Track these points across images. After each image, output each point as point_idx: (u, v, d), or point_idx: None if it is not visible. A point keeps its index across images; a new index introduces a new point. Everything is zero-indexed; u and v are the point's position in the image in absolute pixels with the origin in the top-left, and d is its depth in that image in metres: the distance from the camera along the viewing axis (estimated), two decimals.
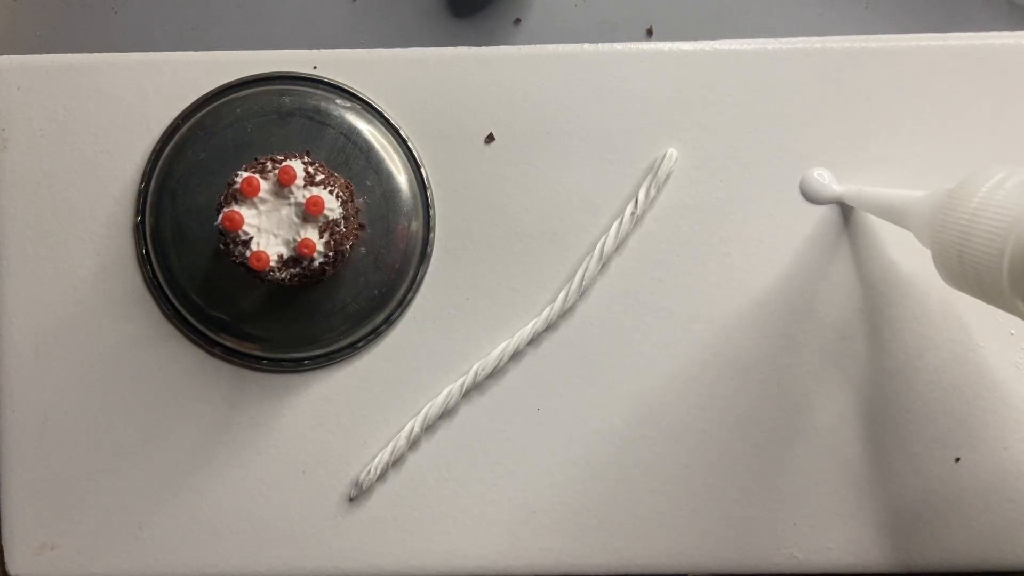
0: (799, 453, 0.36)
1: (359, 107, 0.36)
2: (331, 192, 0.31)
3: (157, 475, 0.36)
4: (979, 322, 0.36)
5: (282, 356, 0.36)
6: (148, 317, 0.36)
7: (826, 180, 0.36)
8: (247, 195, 0.30)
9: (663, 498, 0.36)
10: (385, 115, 0.36)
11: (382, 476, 0.36)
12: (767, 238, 0.36)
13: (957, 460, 0.36)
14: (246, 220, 0.30)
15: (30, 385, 0.36)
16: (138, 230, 0.36)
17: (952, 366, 0.36)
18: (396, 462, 0.36)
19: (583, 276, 0.36)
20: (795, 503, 0.36)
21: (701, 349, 0.36)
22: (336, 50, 0.37)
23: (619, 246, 0.36)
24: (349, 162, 0.35)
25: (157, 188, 0.36)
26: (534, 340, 0.36)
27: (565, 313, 0.36)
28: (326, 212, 0.31)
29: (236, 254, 0.31)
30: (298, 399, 0.36)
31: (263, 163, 0.31)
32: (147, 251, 0.36)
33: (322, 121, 0.35)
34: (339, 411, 0.36)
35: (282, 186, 0.31)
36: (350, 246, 0.33)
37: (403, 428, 0.36)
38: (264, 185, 0.31)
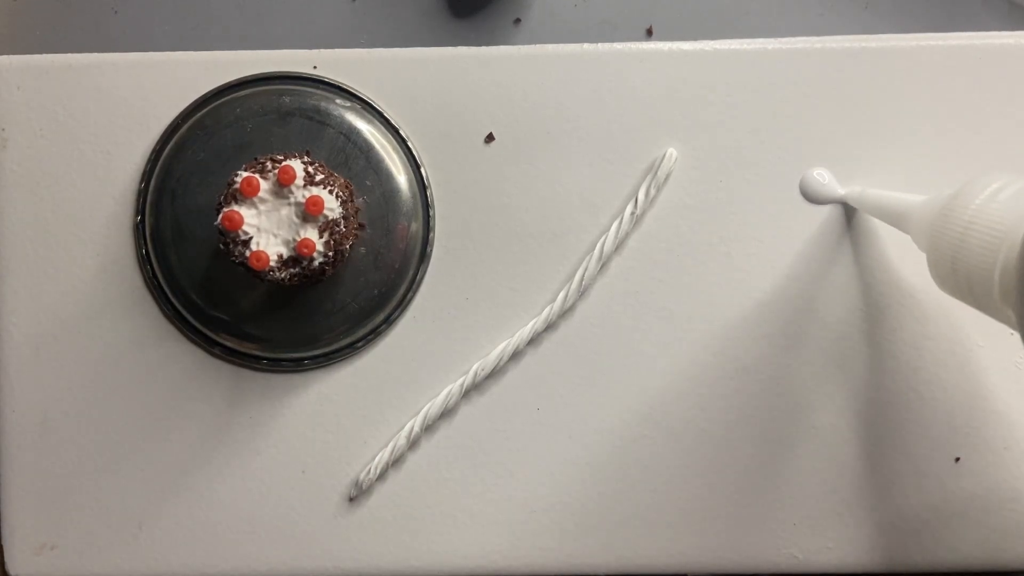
0: (799, 453, 0.36)
1: (359, 107, 0.36)
2: (331, 192, 0.31)
3: (157, 475, 0.36)
4: (979, 322, 0.36)
5: (282, 356, 0.36)
6: (148, 317, 0.36)
7: (826, 180, 0.36)
8: (247, 195, 0.30)
9: (663, 498, 0.36)
10: (385, 115, 0.36)
11: (382, 476, 0.36)
12: (767, 238, 0.36)
13: (957, 460, 0.36)
14: (246, 220, 0.31)
15: (30, 385, 0.36)
16: (138, 230, 0.36)
17: (952, 366, 0.36)
18: (396, 462, 0.36)
19: (583, 276, 0.36)
20: (795, 503, 0.36)
21: (701, 349, 0.36)
22: (336, 50, 0.37)
23: (619, 246, 0.36)
24: (349, 162, 0.35)
25: (157, 188, 0.36)
26: (534, 340, 0.36)
27: (565, 313, 0.36)
28: (326, 212, 0.31)
29: (236, 254, 0.31)
30: (298, 399, 0.36)
31: (263, 163, 0.31)
32: (147, 251, 0.36)
33: (322, 121, 0.35)
34: (339, 411, 0.36)
35: (282, 186, 0.31)
36: (350, 246, 0.33)
37: (403, 428, 0.36)
38: (264, 185, 0.31)
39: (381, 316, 0.36)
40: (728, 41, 0.36)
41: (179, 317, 0.36)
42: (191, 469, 0.36)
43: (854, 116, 0.36)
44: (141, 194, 0.36)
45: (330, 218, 0.31)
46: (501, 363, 0.36)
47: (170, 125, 0.36)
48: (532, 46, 0.36)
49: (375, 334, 0.36)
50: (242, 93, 0.36)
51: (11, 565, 0.37)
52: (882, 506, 0.36)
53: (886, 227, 0.35)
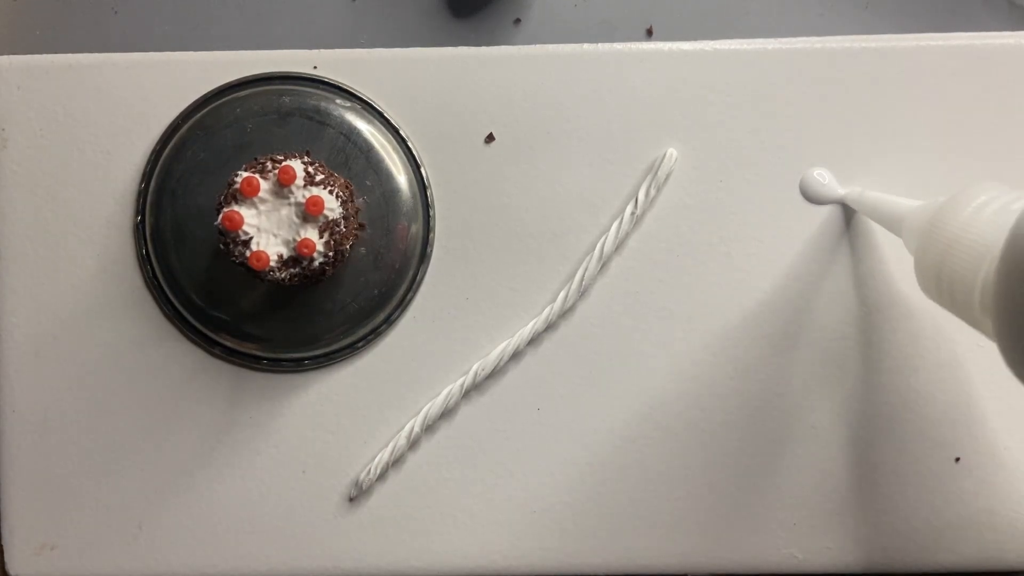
0: (799, 453, 0.36)
1: (359, 107, 0.36)
2: (331, 192, 0.31)
3: (157, 475, 0.36)
4: None
5: (282, 356, 0.36)
6: (148, 317, 0.36)
7: (826, 180, 0.36)
8: (247, 195, 0.30)
9: (663, 498, 0.36)
10: (385, 115, 0.36)
11: (382, 476, 0.36)
12: (767, 238, 0.36)
13: (957, 460, 0.36)
14: (246, 220, 0.31)
15: (30, 385, 0.36)
16: (138, 230, 0.36)
17: (952, 366, 0.36)
18: (396, 462, 0.36)
19: (583, 276, 0.36)
20: (795, 503, 0.36)
21: (701, 349, 0.36)
22: (336, 50, 0.37)
23: (619, 246, 0.36)
24: (349, 162, 0.35)
25: (157, 188, 0.36)
26: (534, 340, 0.36)
27: (565, 313, 0.36)
28: (326, 212, 0.31)
29: (236, 254, 0.31)
30: (298, 399, 0.36)
31: (263, 163, 0.31)
32: (147, 251, 0.36)
33: (322, 121, 0.35)
34: (339, 411, 0.36)
35: (282, 186, 0.31)
36: (350, 246, 0.33)
37: (403, 428, 0.36)
38: (264, 185, 0.31)
39: (381, 316, 0.36)
40: (728, 41, 0.36)
41: (179, 317, 0.36)
42: (191, 469, 0.36)
43: (854, 116, 0.36)
44: (141, 194, 0.36)
45: (330, 218, 0.31)
46: (501, 363, 0.36)
47: (170, 125, 0.36)
48: (532, 46, 0.36)
49: (375, 334, 0.36)
50: (242, 93, 0.36)
51: (11, 565, 0.37)
52: (882, 506, 0.36)
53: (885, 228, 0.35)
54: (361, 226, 0.35)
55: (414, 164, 0.36)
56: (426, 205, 0.36)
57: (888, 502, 0.36)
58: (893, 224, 0.32)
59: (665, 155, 0.36)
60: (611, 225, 0.36)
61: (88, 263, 0.36)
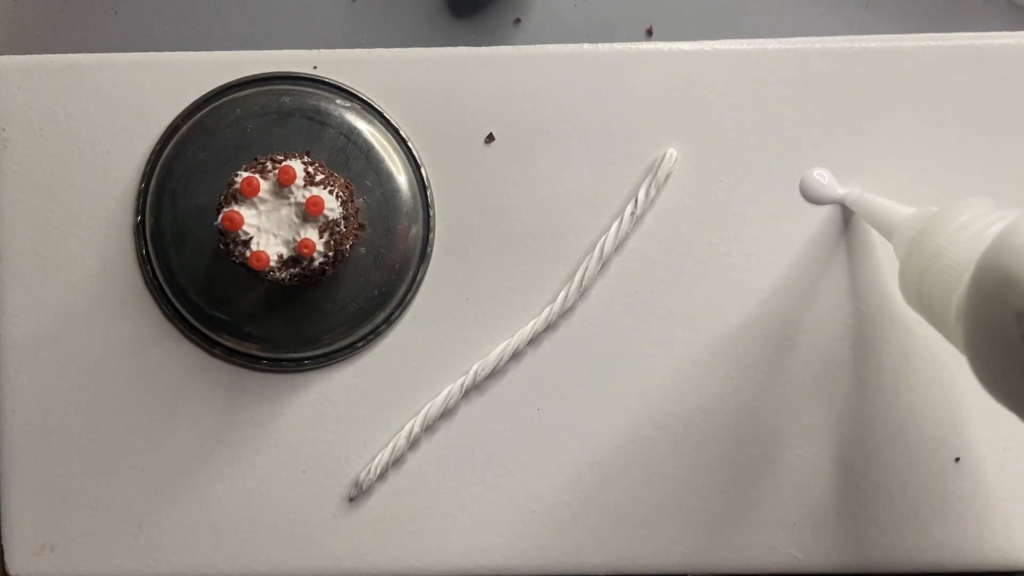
0: (799, 453, 0.36)
1: (359, 107, 0.36)
2: (331, 192, 0.31)
3: (157, 475, 0.36)
4: None
5: (282, 356, 0.36)
6: (148, 317, 0.36)
7: (826, 180, 0.36)
8: (247, 195, 0.30)
9: (663, 498, 0.36)
10: (385, 115, 0.36)
11: (382, 476, 0.36)
12: (767, 238, 0.36)
13: (957, 460, 0.36)
14: (246, 220, 0.31)
15: (30, 385, 0.36)
16: (138, 230, 0.36)
17: (952, 366, 0.36)
18: (396, 462, 0.36)
19: (583, 276, 0.36)
20: (795, 503, 0.36)
21: (701, 349, 0.36)
22: (336, 50, 0.37)
23: (619, 246, 0.36)
24: (349, 162, 0.35)
25: (157, 188, 0.36)
26: (534, 340, 0.36)
27: (565, 313, 0.36)
28: (326, 212, 0.31)
29: (236, 254, 0.31)
30: (298, 399, 0.36)
31: (263, 163, 0.31)
32: (147, 251, 0.36)
33: (322, 121, 0.35)
34: (339, 411, 0.36)
35: (282, 186, 0.31)
36: (350, 246, 0.33)
37: (403, 428, 0.36)
38: (264, 185, 0.31)
39: (381, 316, 0.36)
40: (728, 41, 0.36)
41: (179, 317, 0.36)
42: (191, 469, 0.36)
43: (854, 116, 0.36)
44: (141, 194, 0.36)
45: (330, 218, 0.31)
46: (501, 363, 0.36)
47: (170, 125, 0.36)
48: (532, 46, 0.36)
49: (375, 334, 0.36)
50: (242, 93, 0.36)
51: (11, 565, 0.37)
52: (882, 506, 0.36)
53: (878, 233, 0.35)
54: (361, 226, 0.35)
55: (414, 164, 0.36)
56: (426, 205, 0.36)
57: (888, 502, 0.36)
58: (885, 230, 0.32)
59: (665, 155, 0.36)
60: (611, 225, 0.36)
61: (88, 263, 0.36)
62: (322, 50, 0.37)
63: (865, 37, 0.36)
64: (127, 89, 0.36)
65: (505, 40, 0.38)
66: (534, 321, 0.36)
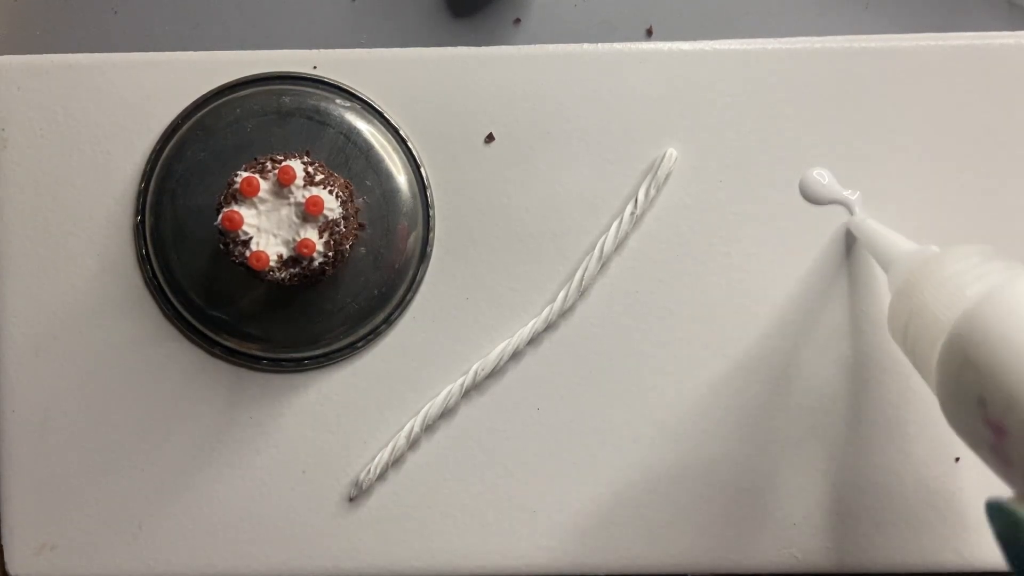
0: (799, 453, 0.36)
1: (359, 107, 0.36)
2: (331, 192, 0.31)
3: (157, 475, 0.36)
4: None
5: (282, 356, 0.36)
6: (148, 317, 0.36)
7: (826, 180, 0.36)
8: (247, 195, 0.30)
9: (663, 498, 0.36)
10: (385, 115, 0.36)
11: (382, 476, 0.36)
12: (767, 238, 0.36)
13: (957, 460, 0.36)
14: (246, 220, 0.31)
15: (30, 385, 0.36)
16: (138, 230, 0.36)
17: None
18: (396, 462, 0.36)
19: (583, 276, 0.36)
20: (795, 503, 0.36)
21: (701, 349, 0.36)
22: (336, 50, 0.37)
23: (619, 246, 0.36)
24: (349, 162, 0.35)
25: (157, 188, 0.36)
26: (534, 340, 0.36)
27: (565, 313, 0.36)
28: (326, 212, 0.31)
29: (236, 254, 0.31)
30: (298, 399, 0.36)
31: (263, 163, 0.31)
32: (147, 251, 0.36)
33: (322, 121, 0.35)
34: (339, 411, 0.36)
35: (282, 186, 0.31)
36: (350, 246, 0.33)
37: (403, 428, 0.36)
38: (264, 185, 0.31)
39: (381, 316, 0.36)
40: (728, 41, 0.36)
41: (179, 317, 0.36)
42: (191, 469, 0.36)
43: (854, 116, 0.36)
44: (141, 194, 0.36)
45: (330, 218, 0.31)
46: (501, 363, 0.36)
47: (170, 125, 0.36)
48: (532, 46, 0.36)
49: (375, 334, 0.36)
50: (242, 93, 0.36)
51: (11, 565, 0.37)
52: (882, 506, 0.36)
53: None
54: (361, 226, 0.35)
55: (414, 164, 0.36)
56: (426, 205, 0.36)
57: (888, 502, 0.36)
58: (883, 262, 0.32)
59: (665, 155, 0.36)
60: (611, 225, 0.36)
61: (88, 263, 0.36)
62: (322, 50, 0.37)
63: (865, 37, 0.36)
64: (127, 89, 0.36)
65: (505, 40, 0.38)
66: (534, 321, 0.36)
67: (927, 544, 0.36)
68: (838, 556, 0.36)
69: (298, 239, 0.31)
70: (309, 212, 0.31)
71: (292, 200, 0.31)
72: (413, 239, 0.36)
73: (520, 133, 0.36)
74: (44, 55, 0.36)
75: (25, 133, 0.36)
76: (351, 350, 0.36)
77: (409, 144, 0.36)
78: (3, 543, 0.37)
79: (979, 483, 0.36)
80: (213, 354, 0.36)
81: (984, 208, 0.36)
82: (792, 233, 0.36)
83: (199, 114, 0.36)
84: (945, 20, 0.38)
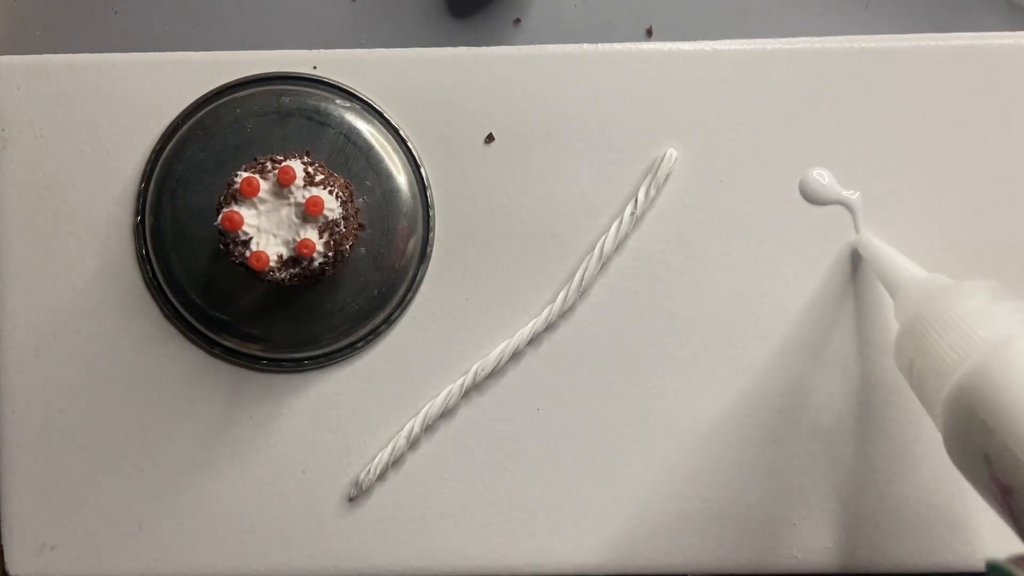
0: (799, 453, 0.36)
1: (359, 107, 0.36)
2: (331, 192, 0.31)
3: (157, 475, 0.36)
4: None
5: (282, 356, 0.36)
6: (148, 317, 0.36)
7: (826, 180, 0.36)
8: (247, 195, 0.30)
9: (663, 498, 0.36)
10: (385, 115, 0.36)
11: (382, 476, 0.36)
12: (767, 238, 0.36)
13: None
14: (246, 220, 0.31)
15: (30, 385, 0.36)
16: (138, 230, 0.36)
17: None
18: (396, 462, 0.36)
19: (583, 276, 0.36)
20: (795, 503, 0.36)
21: (701, 349, 0.36)
22: (336, 50, 0.37)
23: (619, 246, 0.36)
24: (349, 162, 0.35)
25: (157, 188, 0.36)
26: (534, 340, 0.36)
27: (565, 313, 0.36)
28: (326, 212, 0.31)
29: (236, 254, 0.31)
30: (298, 399, 0.36)
31: (263, 163, 0.31)
32: (147, 251, 0.36)
33: (322, 121, 0.35)
34: (339, 411, 0.36)
35: (282, 186, 0.31)
36: (350, 246, 0.33)
37: (403, 428, 0.36)
38: (264, 185, 0.31)
39: (381, 316, 0.36)
40: (728, 41, 0.36)
41: (179, 317, 0.36)
42: (191, 469, 0.36)
43: (854, 116, 0.36)
44: (141, 194, 0.36)
45: (330, 218, 0.31)
46: (501, 363, 0.36)
47: (170, 125, 0.36)
48: (532, 46, 0.36)
49: (375, 334, 0.36)
50: (242, 93, 0.36)
51: (11, 565, 0.37)
52: (882, 506, 0.36)
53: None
54: (361, 226, 0.35)
55: (414, 164, 0.36)
56: (426, 205, 0.36)
57: (888, 502, 0.36)
58: (888, 287, 0.32)
59: (665, 155, 0.36)
60: (611, 225, 0.36)
61: (88, 263, 0.36)
62: (322, 50, 0.37)
63: (865, 37, 0.36)
64: (127, 89, 0.36)
65: (505, 40, 0.38)
66: (534, 321, 0.36)
67: (927, 544, 0.36)
68: (838, 556, 0.36)
69: (298, 239, 0.31)
70: (309, 212, 0.31)
71: (292, 200, 0.31)
72: (413, 239, 0.36)
73: (520, 133, 0.36)
74: (44, 55, 0.36)
75: (25, 133, 0.36)
76: (351, 350, 0.36)
77: (409, 144, 0.36)
78: (3, 543, 0.37)
79: None
80: (213, 354, 0.36)
81: (984, 208, 0.36)
82: (792, 233, 0.36)
83: (199, 114, 0.36)
84: (945, 20, 0.38)
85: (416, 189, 0.36)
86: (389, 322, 0.36)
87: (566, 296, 0.36)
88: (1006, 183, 0.36)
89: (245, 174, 0.31)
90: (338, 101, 0.36)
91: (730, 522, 0.36)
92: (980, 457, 0.23)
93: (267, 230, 0.31)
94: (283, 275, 0.31)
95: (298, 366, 0.36)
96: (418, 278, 0.36)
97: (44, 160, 0.36)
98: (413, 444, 0.36)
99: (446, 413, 0.36)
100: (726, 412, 0.36)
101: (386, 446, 0.36)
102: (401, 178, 0.36)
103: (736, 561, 0.36)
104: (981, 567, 0.36)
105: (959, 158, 0.36)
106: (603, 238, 0.36)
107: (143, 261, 0.36)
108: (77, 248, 0.36)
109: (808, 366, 0.36)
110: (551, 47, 0.36)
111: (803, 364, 0.36)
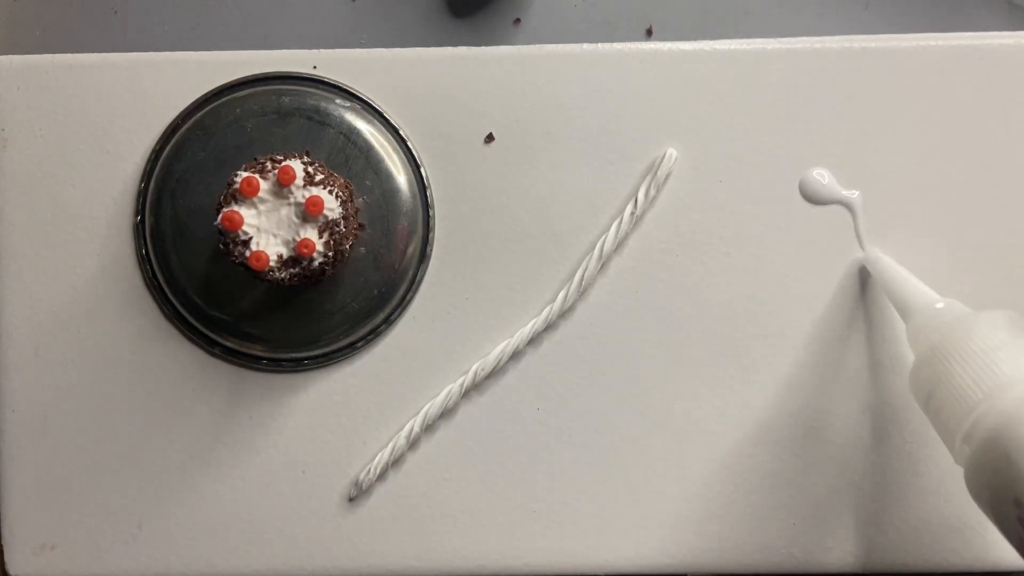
0: (799, 453, 0.36)
1: (359, 107, 0.36)
2: (331, 192, 0.31)
3: (157, 475, 0.36)
4: None
5: (282, 356, 0.36)
6: (148, 317, 0.36)
7: (826, 180, 0.36)
8: (246, 195, 0.30)
9: (663, 498, 0.36)
10: (385, 115, 0.36)
11: (382, 476, 0.36)
12: (767, 238, 0.36)
13: None
14: (246, 220, 0.31)
15: (30, 385, 0.36)
16: (138, 230, 0.36)
17: None
18: (396, 462, 0.36)
19: (583, 276, 0.36)
20: (795, 503, 0.36)
21: (701, 349, 0.36)
22: (336, 50, 0.37)
23: (619, 246, 0.36)
24: (349, 162, 0.35)
25: (157, 188, 0.36)
26: (534, 340, 0.36)
27: (565, 313, 0.36)
28: (326, 212, 0.31)
29: (236, 254, 0.31)
30: (298, 399, 0.36)
31: (263, 163, 0.31)
32: (147, 251, 0.36)
33: (322, 121, 0.35)
34: (339, 411, 0.36)
35: (282, 186, 0.31)
36: (350, 246, 0.33)
37: (403, 428, 0.36)
38: (264, 185, 0.31)
39: (381, 316, 0.36)
40: (728, 41, 0.36)
41: (179, 317, 0.36)
42: (191, 469, 0.36)
43: (854, 116, 0.36)
44: (141, 194, 0.36)
45: (330, 218, 0.31)
46: (501, 363, 0.36)
47: (170, 125, 0.36)
48: (532, 46, 0.36)
49: (375, 334, 0.36)
50: (242, 93, 0.36)
51: (11, 565, 0.37)
52: (882, 506, 0.36)
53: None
54: (361, 226, 0.35)
55: (414, 164, 0.36)
56: (426, 205, 0.36)
57: (888, 502, 0.36)
58: (901, 310, 0.32)
59: (665, 155, 0.36)
60: (611, 225, 0.36)
61: (88, 263, 0.36)
62: (322, 50, 0.37)
63: (865, 37, 0.36)
64: (127, 89, 0.36)
65: (505, 40, 0.38)
66: (534, 321, 0.36)
67: (927, 544, 0.36)
68: (838, 556, 0.36)
69: (298, 239, 0.31)
70: (309, 212, 0.31)
71: (292, 200, 0.31)
72: (413, 239, 0.36)
73: (520, 133, 0.36)
74: (44, 55, 0.36)
75: (25, 133, 0.36)
76: (351, 350, 0.36)
77: (409, 144, 0.36)
78: (3, 543, 0.37)
79: None
80: (213, 354, 0.36)
81: (984, 208, 0.36)
82: (792, 233, 0.36)
83: (199, 114, 0.36)
84: (945, 20, 0.38)
85: (416, 189, 0.36)
86: (389, 322, 0.36)
87: (566, 296, 0.36)
88: (1006, 183, 0.36)
89: (245, 174, 0.31)
90: (338, 101, 0.36)
91: (730, 522, 0.36)
92: (1009, 500, 0.23)
93: (267, 230, 0.31)
94: (283, 275, 0.31)
95: (298, 366, 0.36)
96: (418, 278, 0.36)
97: (44, 160, 0.36)
98: (413, 444, 0.36)
99: (446, 413, 0.36)
100: (726, 412, 0.36)
101: (386, 446, 0.36)
102: (401, 178, 0.36)
103: (736, 561, 0.36)
104: (981, 567, 0.36)
105: (959, 158, 0.36)
106: (603, 238, 0.36)
107: (143, 261, 0.36)
108: (77, 248, 0.36)
109: (808, 365, 0.36)
110: (551, 47, 0.36)
111: (802, 362, 0.36)
